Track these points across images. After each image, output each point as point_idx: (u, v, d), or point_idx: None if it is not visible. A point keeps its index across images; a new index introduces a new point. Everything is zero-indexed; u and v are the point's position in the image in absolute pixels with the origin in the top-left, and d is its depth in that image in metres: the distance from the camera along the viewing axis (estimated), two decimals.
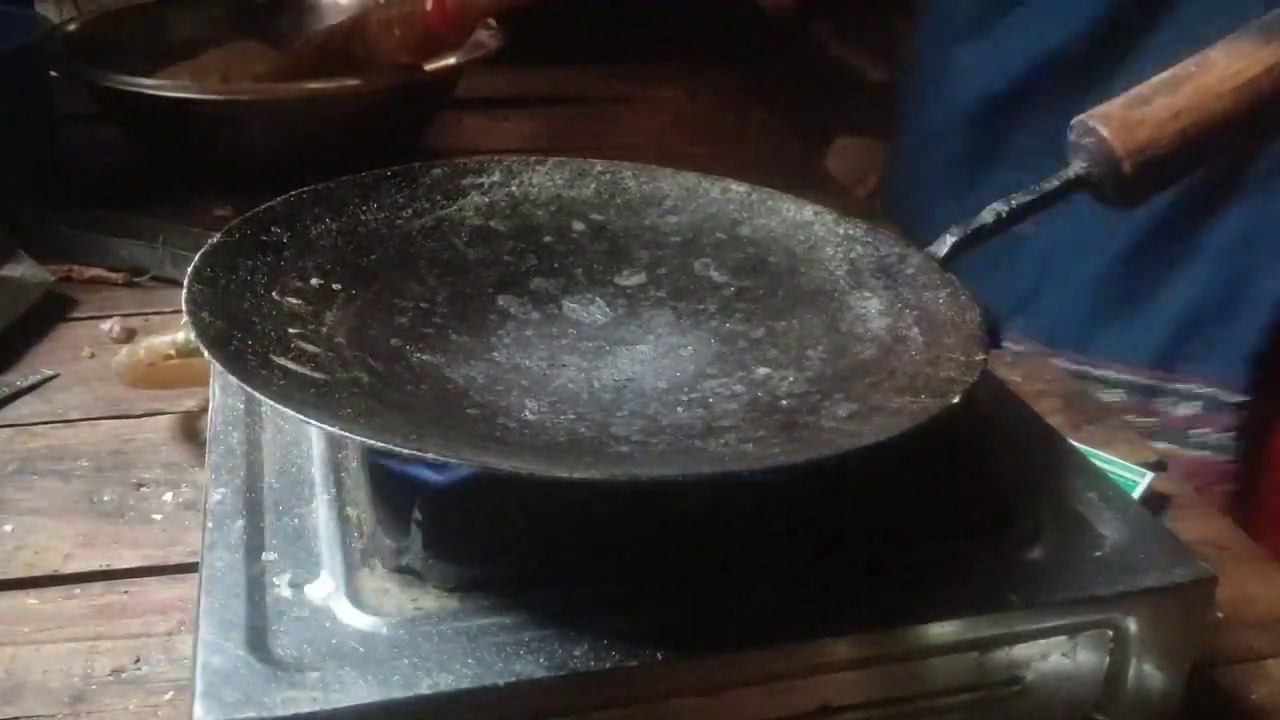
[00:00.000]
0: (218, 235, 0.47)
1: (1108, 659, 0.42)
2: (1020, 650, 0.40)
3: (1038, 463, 0.47)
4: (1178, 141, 0.50)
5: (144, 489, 0.59)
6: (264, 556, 0.40)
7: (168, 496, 0.58)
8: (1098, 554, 0.42)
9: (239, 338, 0.42)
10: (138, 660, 0.48)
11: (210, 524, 0.41)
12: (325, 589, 0.38)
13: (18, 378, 0.68)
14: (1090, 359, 0.90)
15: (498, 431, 0.42)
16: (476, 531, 0.40)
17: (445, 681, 0.35)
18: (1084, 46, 0.89)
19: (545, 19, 1.04)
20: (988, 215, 0.51)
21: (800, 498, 0.42)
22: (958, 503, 0.44)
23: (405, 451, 0.35)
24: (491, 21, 0.99)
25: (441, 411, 0.43)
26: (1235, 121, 0.50)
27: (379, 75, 0.92)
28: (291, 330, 0.44)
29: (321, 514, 0.42)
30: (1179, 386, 0.88)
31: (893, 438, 0.38)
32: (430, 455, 0.35)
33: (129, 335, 0.72)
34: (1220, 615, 0.53)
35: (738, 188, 0.58)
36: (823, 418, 0.43)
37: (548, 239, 0.56)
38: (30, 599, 0.51)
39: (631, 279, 0.55)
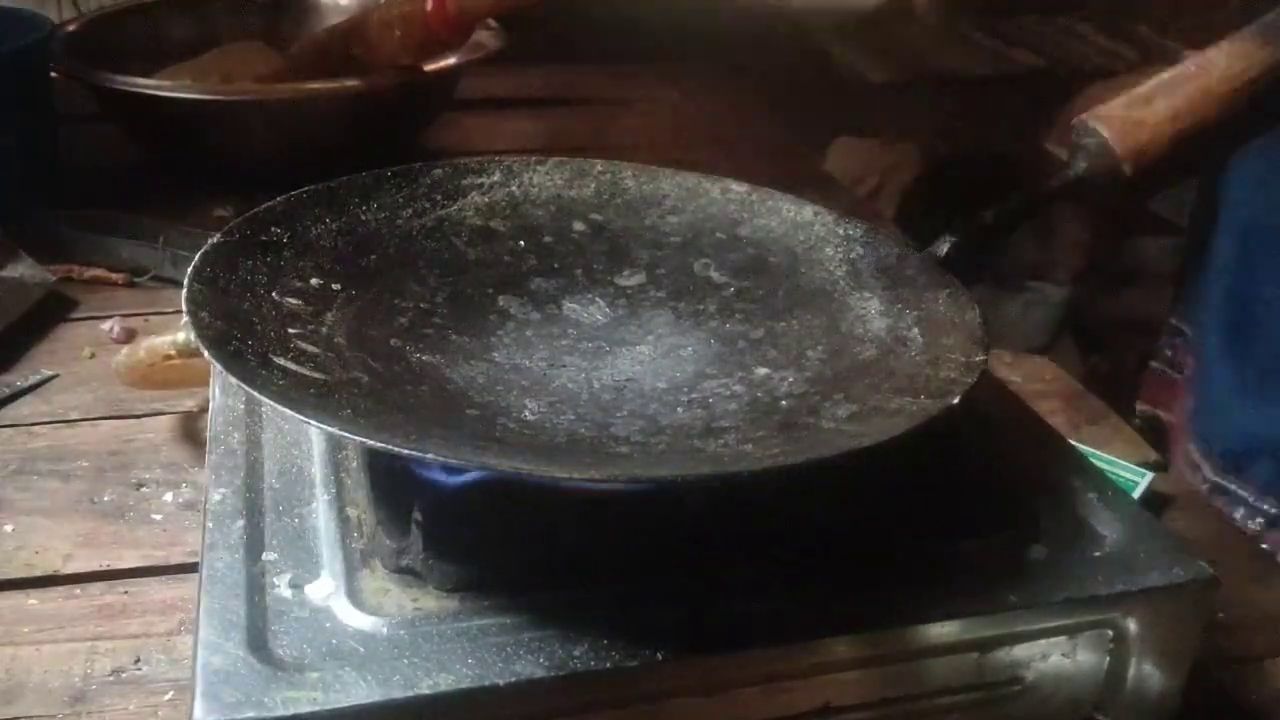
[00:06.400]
0: (218, 235, 0.48)
1: (1107, 659, 0.42)
2: (1020, 650, 0.40)
3: (1037, 463, 0.47)
4: (1177, 143, 0.50)
5: (144, 489, 0.59)
6: (264, 557, 0.40)
7: (168, 497, 0.58)
8: (1097, 554, 0.42)
9: (239, 338, 0.42)
10: (138, 660, 0.48)
11: (210, 524, 0.41)
12: (325, 589, 0.39)
13: (18, 378, 0.68)
14: None
15: (498, 432, 0.42)
16: (476, 532, 0.40)
17: (445, 682, 0.35)
18: None
19: (545, 19, 1.04)
20: (988, 215, 0.51)
21: (800, 498, 0.42)
22: (958, 503, 0.44)
23: (405, 452, 0.35)
24: (492, 22, 1.00)
25: (441, 412, 0.43)
26: (1233, 123, 0.50)
27: (379, 76, 0.92)
28: (291, 330, 0.44)
29: (322, 514, 0.42)
30: None
31: (892, 438, 0.38)
32: (430, 455, 0.36)
33: (129, 335, 0.72)
34: (1220, 615, 0.53)
35: (738, 188, 0.58)
36: (822, 418, 0.43)
37: (548, 239, 0.56)
38: (30, 599, 0.51)
39: (631, 279, 0.55)
